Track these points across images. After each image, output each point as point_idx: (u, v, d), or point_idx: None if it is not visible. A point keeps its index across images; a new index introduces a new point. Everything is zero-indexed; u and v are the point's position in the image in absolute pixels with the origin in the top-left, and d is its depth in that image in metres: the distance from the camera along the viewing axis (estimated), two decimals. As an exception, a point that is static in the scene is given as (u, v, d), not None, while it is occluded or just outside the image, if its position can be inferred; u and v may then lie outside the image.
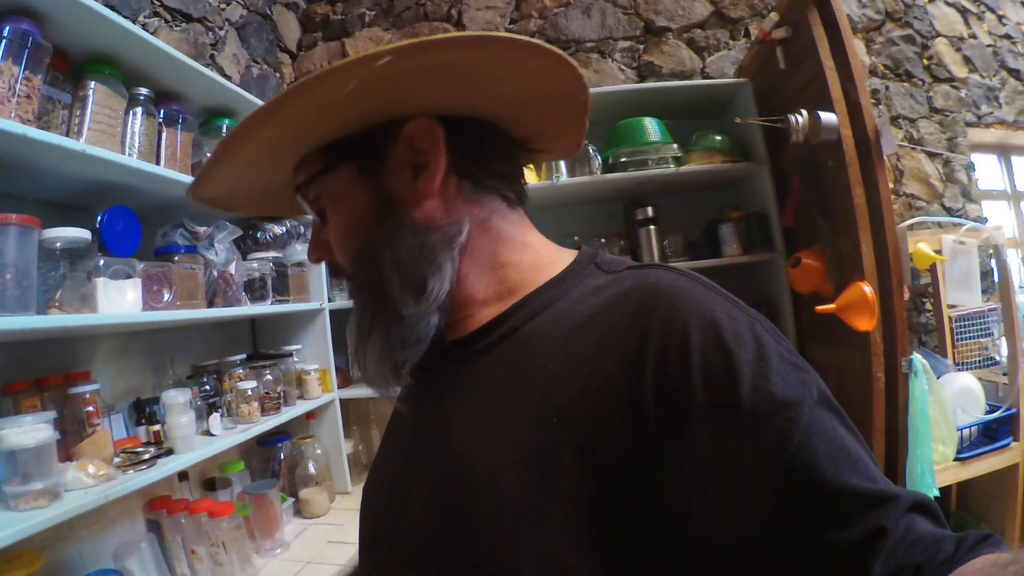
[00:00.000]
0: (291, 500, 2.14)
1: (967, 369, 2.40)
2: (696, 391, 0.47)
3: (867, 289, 1.86)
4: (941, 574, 0.39)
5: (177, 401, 1.58)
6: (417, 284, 0.62)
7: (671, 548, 0.47)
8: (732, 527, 0.45)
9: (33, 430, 1.16)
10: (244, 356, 2.08)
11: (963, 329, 2.51)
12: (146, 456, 1.43)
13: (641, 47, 2.99)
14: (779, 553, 0.44)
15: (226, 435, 1.74)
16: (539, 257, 0.67)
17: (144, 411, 1.64)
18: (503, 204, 0.68)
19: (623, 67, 2.98)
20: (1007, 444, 2.20)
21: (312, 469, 2.22)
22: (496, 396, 0.59)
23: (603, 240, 2.59)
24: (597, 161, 2.43)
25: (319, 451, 2.29)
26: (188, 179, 1.61)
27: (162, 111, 1.66)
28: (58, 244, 1.27)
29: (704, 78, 2.89)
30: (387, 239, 0.63)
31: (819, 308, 1.92)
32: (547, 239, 0.72)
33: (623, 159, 2.40)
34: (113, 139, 1.45)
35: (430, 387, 0.67)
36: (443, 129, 0.62)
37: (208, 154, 1.85)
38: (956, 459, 2.11)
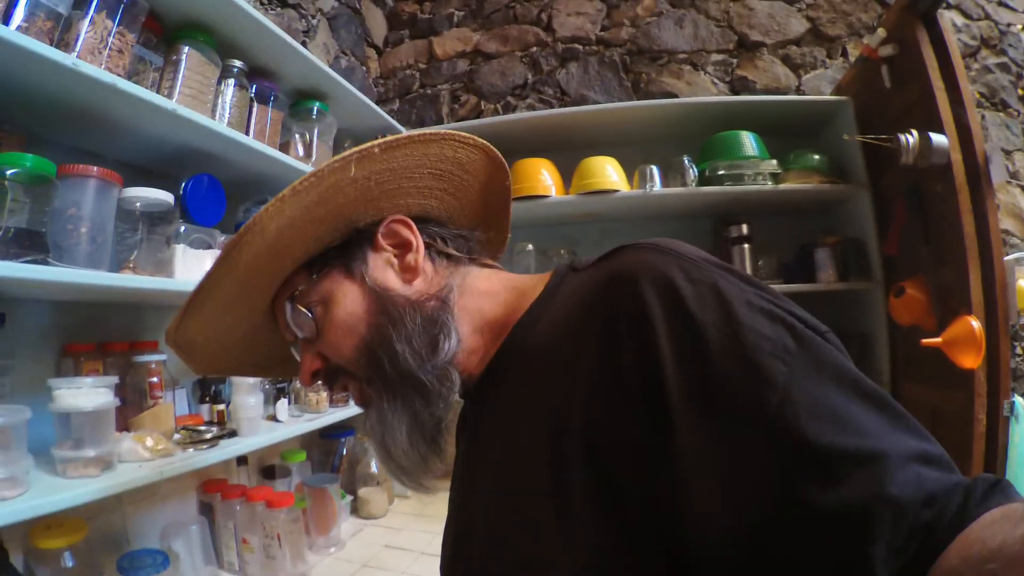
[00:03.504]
0: (349, 498, 2.01)
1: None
2: (667, 370, 0.45)
3: (975, 324, 1.66)
4: (953, 531, 0.36)
5: (246, 381, 1.49)
6: (430, 346, 0.63)
7: (679, 546, 0.44)
8: (728, 511, 0.42)
9: (92, 393, 1.07)
10: None
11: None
12: (208, 435, 1.33)
13: (734, 61, 2.82)
14: (776, 529, 0.41)
15: (292, 422, 1.64)
16: (519, 291, 0.69)
17: (209, 389, 1.55)
18: (474, 266, 0.72)
19: (716, 80, 2.82)
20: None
21: (373, 468, 2.09)
22: (508, 426, 0.60)
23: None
24: (692, 173, 2.25)
25: None
26: (277, 154, 1.54)
27: (254, 86, 1.59)
28: (138, 204, 1.19)
29: (799, 96, 2.69)
30: (390, 320, 0.64)
31: (924, 341, 1.71)
32: (522, 275, 0.73)
33: (720, 172, 2.23)
34: (204, 105, 1.37)
35: (464, 432, 0.71)
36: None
37: (296, 135, 1.77)
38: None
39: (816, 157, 2.24)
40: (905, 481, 0.38)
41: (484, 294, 0.69)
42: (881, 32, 2.06)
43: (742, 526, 0.42)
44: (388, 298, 0.66)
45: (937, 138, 1.78)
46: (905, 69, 1.99)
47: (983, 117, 2.75)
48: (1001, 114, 2.79)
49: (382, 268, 0.67)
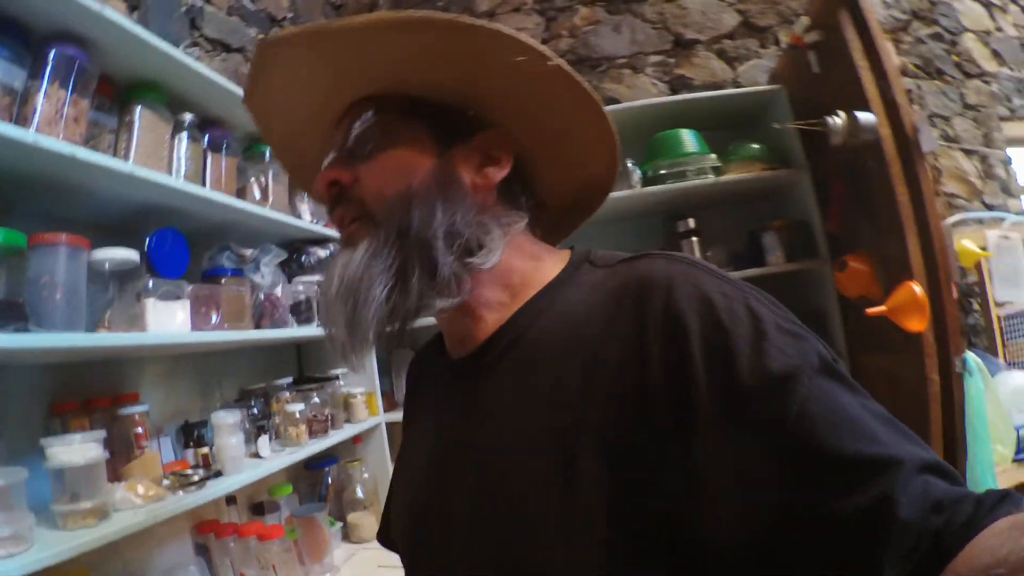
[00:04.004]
0: (339, 524, 2.10)
1: (1020, 368, 2.31)
2: (698, 377, 0.48)
3: (917, 288, 1.79)
4: (962, 539, 0.38)
5: (226, 422, 1.56)
6: (464, 244, 0.61)
7: (688, 547, 0.47)
8: (743, 515, 0.45)
9: (82, 448, 1.14)
10: (291, 379, 2.06)
11: (1013, 328, 2.42)
12: (195, 478, 1.40)
13: (672, 61, 2.97)
14: (790, 534, 0.43)
15: (274, 457, 1.72)
16: (541, 263, 0.68)
17: (192, 434, 1.62)
18: (524, 221, 0.69)
19: (655, 81, 2.96)
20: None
21: (360, 493, 2.18)
22: (512, 409, 0.59)
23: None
24: (636, 175, 2.39)
25: (366, 475, 2.26)
26: (234, 201, 1.62)
27: (207, 136, 1.67)
28: (107, 265, 1.27)
29: (737, 88, 2.84)
30: (444, 197, 0.62)
31: (869, 310, 1.84)
32: (551, 247, 0.73)
33: (662, 171, 2.37)
34: (160, 162, 1.45)
35: (449, 404, 0.68)
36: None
37: (252, 179, 1.86)
38: (1015, 460, 2.02)
39: (755, 147, 2.39)
40: (917, 489, 0.41)
41: (520, 250, 0.67)
42: (805, 20, 2.21)
43: (755, 530, 0.44)
44: (454, 181, 0.64)
45: (864, 116, 1.92)
46: (831, 53, 2.12)
47: (919, 87, 2.91)
48: (937, 82, 2.96)
49: (462, 159, 0.65)
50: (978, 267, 2.31)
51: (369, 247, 0.61)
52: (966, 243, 2.09)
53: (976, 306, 2.63)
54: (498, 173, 0.66)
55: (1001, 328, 2.44)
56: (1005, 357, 2.39)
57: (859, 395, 0.47)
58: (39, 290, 1.06)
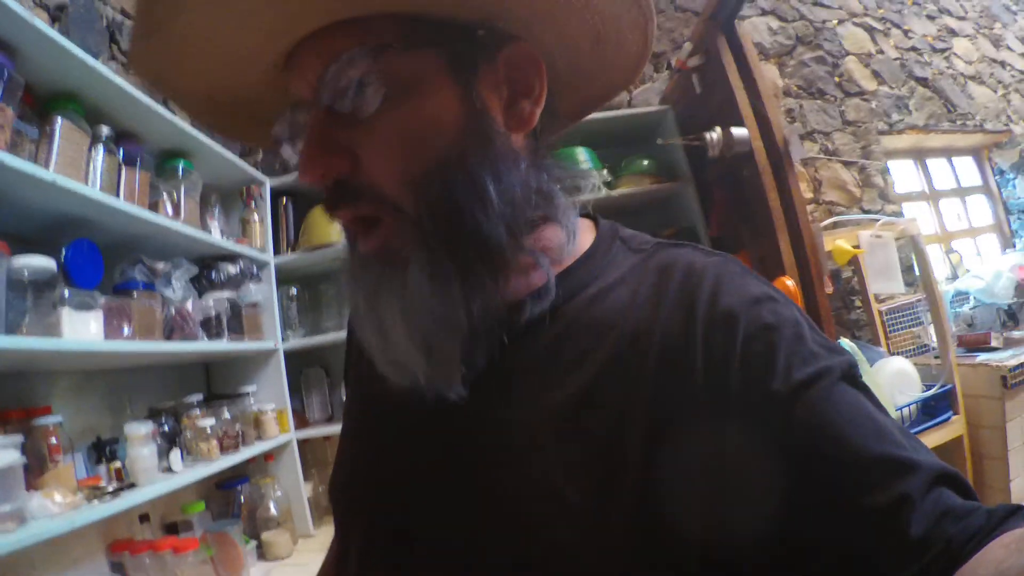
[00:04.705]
0: (254, 543, 2.15)
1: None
2: (735, 373, 0.48)
3: (789, 283, 2.06)
4: (972, 548, 0.39)
5: (139, 433, 1.61)
6: (527, 219, 0.54)
7: (713, 542, 0.47)
8: (767, 514, 0.45)
9: (1, 451, 1.19)
10: (201, 396, 2.10)
11: (894, 321, 2.74)
12: (110, 489, 1.46)
13: (571, 83, 3.21)
14: (808, 531, 0.44)
15: (187, 472, 1.76)
16: (565, 228, 0.59)
17: (104, 450, 1.68)
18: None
19: (555, 103, 3.19)
20: (947, 418, 2.40)
21: (274, 511, 2.23)
22: (548, 385, 0.53)
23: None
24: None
25: (279, 493, 2.30)
26: (149, 215, 1.68)
27: (121, 150, 1.72)
28: (26, 272, 1.32)
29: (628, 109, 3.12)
30: (489, 157, 0.51)
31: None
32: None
33: (557, 186, 2.58)
34: (78, 173, 1.51)
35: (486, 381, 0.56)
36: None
37: (164, 193, 1.93)
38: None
39: (646, 162, 2.67)
40: (933, 496, 0.42)
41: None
42: (688, 45, 2.49)
43: (777, 528, 0.45)
44: (493, 129, 0.52)
45: (738, 131, 2.19)
46: (711, 75, 2.40)
47: (801, 106, 3.28)
48: (819, 101, 3.33)
49: (491, 91, 0.54)
50: (855, 264, 2.62)
51: (423, 265, 0.50)
52: (839, 242, 2.39)
53: (858, 303, 2.97)
54: (535, 108, 0.55)
55: (883, 322, 2.77)
56: (888, 348, 2.71)
57: (880, 407, 0.49)
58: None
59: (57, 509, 1.30)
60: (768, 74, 3.11)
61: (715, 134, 2.23)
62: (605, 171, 2.61)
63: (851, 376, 0.49)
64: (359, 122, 0.50)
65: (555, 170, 0.59)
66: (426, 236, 0.50)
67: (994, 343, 2.77)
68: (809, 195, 3.13)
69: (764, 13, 3.45)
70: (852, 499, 0.43)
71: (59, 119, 1.49)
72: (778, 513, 0.44)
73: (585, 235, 0.62)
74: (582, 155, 2.64)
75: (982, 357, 2.61)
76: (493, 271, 0.51)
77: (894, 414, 2.27)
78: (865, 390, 0.49)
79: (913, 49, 3.69)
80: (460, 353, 0.51)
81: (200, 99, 0.60)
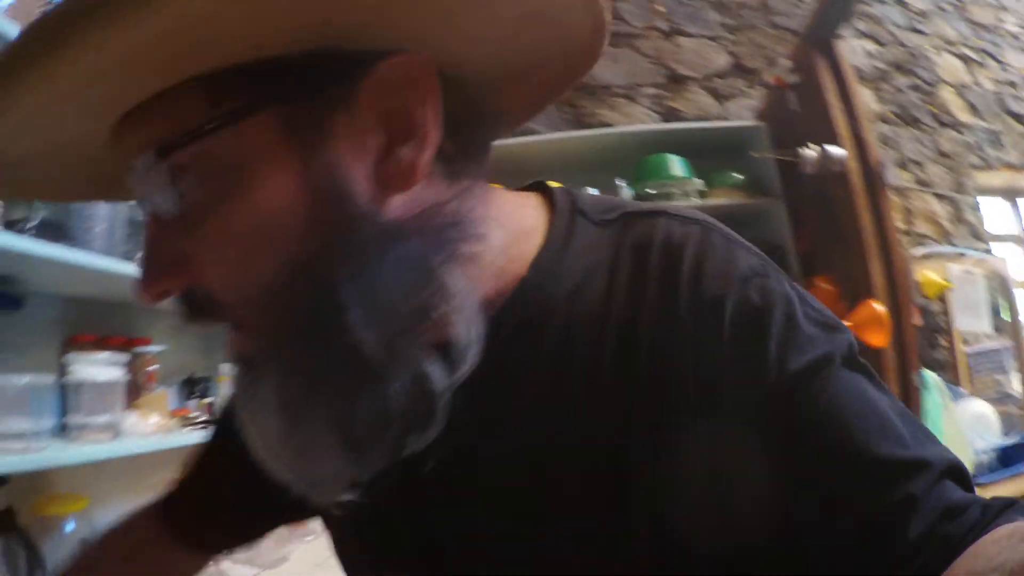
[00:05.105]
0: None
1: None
2: (725, 367, 0.45)
3: (878, 307, 2.02)
4: (967, 543, 0.38)
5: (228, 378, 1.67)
6: (420, 312, 0.42)
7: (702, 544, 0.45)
8: (768, 510, 0.43)
9: (105, 366, 1.27)
10: None
11: (978, 364, 2.65)
12: (201, 419, 1.56)
13: (666, 94, 3.23)
14: (810, 530, 0.43)
15: None
16: (517, 223, 0.52)
17: (196, 386, 1.78)
18: (478, 182, 0.49)
19: (649, 112, 3.21)
20: (1024, 471, 2.32)
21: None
22: (530, 395, 0.49)
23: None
24: (626, 193, 2.59)
25: None
26: None
27: None
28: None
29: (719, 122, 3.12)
30: (350, 250, 0.40)
31: (833, 325, 2.06)
32: (507, 190, 0.56)
33: (651, 191, 2.59)
34: None
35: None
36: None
37: None
38: (974, 483, 2.21)
39: (738, 176, 2.66)
40: (935, 492, 0.41)
41: (504, 222, 0.50)
42: (786, 63, 2.50)
43: (778, 526, 0.43)
44: (355, 207, 0.40)
45: (835, 150, 2.19)
46: (808, 93, 2.39)
47: (896, 133, 3.23)
48: (913, 129, 3.27)
49: (352, 148, 0.41)
50: (942, 300, 2.55)
51: (280, 382, 0.42)
52: (929, 273, 2.34)
53: (943, 342, 2.88)
54: (419, 154, 0.41)
55: (968, 365, 2.68)
56: (972, 392, 2.62)
57: (883, 389, 0.46)
58: (83, 220, 1.23)
59: (150, 430, 1.39)
60: (864, 97, 3.07)
61: (812, 151, 2.21)
62: (700, 181, 2.62)
63: (850, 358, 0.46)
64: (190, 224, 0.40)
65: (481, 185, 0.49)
66: (280, 352, 0.42)
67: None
68: (900, 224, 3.05)
69: (862, 36, 3.41)
70: (855, 501, 0.41)
71: None
72: (778, 514, 0.43)
73: (538, 217, 0.53)
74: (674, 162, 2.64)
75: (1064, 412, 2.51)
76: (372, 375, 0.41)
77: (971, 459, 2.20)
78: (865, 371, 0.47)
79: (1010, 83, 3.60)
80: (340, 467, 0.42)
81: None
